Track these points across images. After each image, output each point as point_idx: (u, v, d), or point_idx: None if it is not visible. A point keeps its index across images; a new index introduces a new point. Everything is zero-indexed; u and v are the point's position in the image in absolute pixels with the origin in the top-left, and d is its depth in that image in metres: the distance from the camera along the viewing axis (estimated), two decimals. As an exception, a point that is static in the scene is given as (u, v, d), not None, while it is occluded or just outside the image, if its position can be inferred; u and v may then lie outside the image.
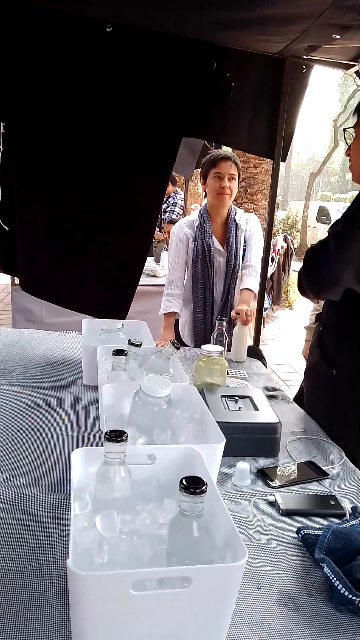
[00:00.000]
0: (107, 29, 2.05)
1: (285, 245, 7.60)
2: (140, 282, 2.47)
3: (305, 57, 2.26)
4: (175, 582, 0.73)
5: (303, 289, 1.50)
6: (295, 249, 8.73)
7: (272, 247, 6.76)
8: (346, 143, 1.51)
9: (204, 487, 0.75)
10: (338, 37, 1.91)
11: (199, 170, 2.98)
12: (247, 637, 0.80)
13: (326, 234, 1.37)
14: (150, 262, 4.50)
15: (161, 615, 0.72)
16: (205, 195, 2.42)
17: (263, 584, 0.91)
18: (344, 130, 1.52)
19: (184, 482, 0.76)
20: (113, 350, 1.46)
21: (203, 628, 0.75)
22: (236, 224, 2.38)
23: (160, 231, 5.14)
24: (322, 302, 1.72)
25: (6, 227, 2.31)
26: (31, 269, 2.39)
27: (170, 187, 5.37)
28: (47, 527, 1.02)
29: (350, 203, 1.38)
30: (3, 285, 5.94)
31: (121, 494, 0.89)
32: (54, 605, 0.82)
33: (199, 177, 2.46)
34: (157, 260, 4.62)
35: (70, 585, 0.70)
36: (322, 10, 1.68)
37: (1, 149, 2.17)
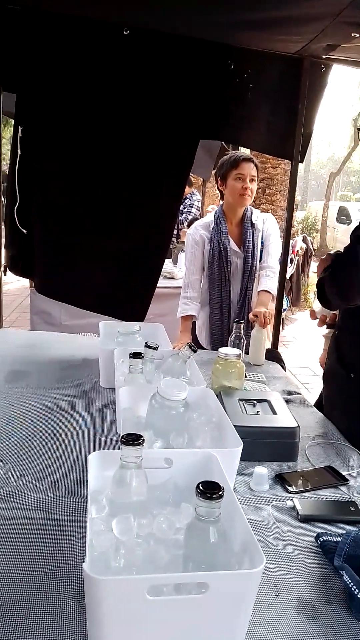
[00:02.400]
0: (125, 32, 2.06)
1: (304, 246, 7.54)
2: (158, 284, 2.48)
3: (323, 56, 2.24)
4: (191, 587, 0.72)
5: (326, 300, 1.47)
6: (314, 249, 8.66)
7: (291, 248, 6.72)
8: None
9: (220, 492, 0.75)
10: (357, 35, 1.88)
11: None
12: (265, 645, 0.79)
13: (348, 240, 1.35)
14: (167, 264, 4.50)
15: (177, 621, 0.71)
16: (222, 196, 2.41)
17: (281, 591, 0.89)
18: (358, 129, 1.51)
19: (201, 487, 0.75)
20: (130, 353, 1.47)
21: (219, 635, 0.74)
22: (252, 225, 2.37)
23: (177, 233, 5.14)
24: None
25: (24, 230, 2.33)
26: (47, 272, 2.41)
27: (187, 189, 5.37)
28: (64, 530, 1.02)
29: None
30: (22, 287, 6.01)
31: (138, 498, 0.89)
32: (70, 609, 0.82)
33: (215, 177, 2.45)
34: (175, 262, 4.62)
35: (86, 589, 0.70)
36: (340, 9, 1.66)
37: (19, 153, 2.20)
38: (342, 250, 1.40)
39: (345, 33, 1.89)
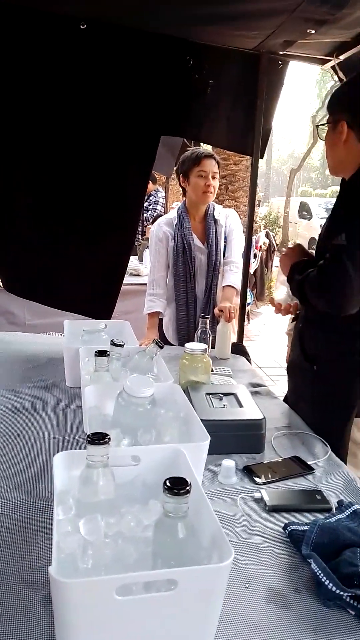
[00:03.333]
0: (82, 26, 2.02)
1: (267, 241, 7.64)
2: (124, 282, 2.46)
3: (281, 52, 2.26)
4: (161, 585, 0.72)
5: (307, 301, 1.47)
6: (277, 244, 8.78)
7: (254, 243, 6.79)
8: (321, 138, 1.53)
9: (187, 488, 0.75)
10: (313, 31, 1.91)
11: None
12: (236, 637, 0.79)
13: (309, 235, 1.37)
14: (133, 261, 4.47)
15: (147, 620, 0.71)
16: (184, 193, 2.40)
17: (251, 582, 0.90)
18: (317, 126, 1.53)
19: (168, 483, 0.75)
20: (95, 351, 1.45)
21: (191, 630, 0.74)
22: (215, 220, 2.38)
23: (142, 230, 5.12)
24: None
25: None
26: (15, 270, 2.37)
27: (151, 186, 5.34)
28: (32, 533, 1.00)
29: (332, 199, 1.39)
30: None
31: (105, 497, 0.88)
32: (38, 613, 0.81)
33: (177, 174, 2.44)
34: (141, 259, 4.60)
35: (53, 593, 0.69)
36: (296, 5, 1.68)
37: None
38: (299, 241, 1.42)
39: (301, 29, 1.91)
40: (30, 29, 1.98)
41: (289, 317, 2.36)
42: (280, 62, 2.33)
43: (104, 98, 2.14)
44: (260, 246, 7.30)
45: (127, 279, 2.96)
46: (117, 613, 0.69)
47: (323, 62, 2.27)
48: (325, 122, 1.51)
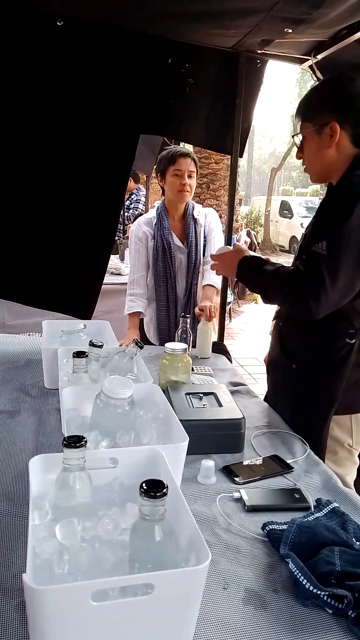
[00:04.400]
0: (58, 23, 1.99)
1: (248, 240, 7.66)
2: (104, 281, 2.44)
3: (259, 51, 2.26)
4: (137, 589, 0.71)
5: (270, 301, 1.48)
6: (259, 243, 8.82)
7: (235, 242, 6.81)
8: (297, 147, 1.52)
9: (164, 490, 0.74)
10: (290, 31, 1.91)
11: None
12: (214, 639, 0.79)
13: (290, 233, 1.37)
14: (114, 260, 4.44)
15: (124, 625, 0.70)
16: (163, 192, 2.39)
17: (229, 583, 0.90)
18: (293, 136, 1.53)
19: (144, 486, 0.74)
20: (73, 352, 1.43)
21: (168, 633, 0.74)
22: (195, 220, 2.38)
23: (124, 228, 5.09)
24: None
25: None
26: None
27: (132, 184, 5.31)
28: (8, 539, 0.99)
29: (313, 197, 1.39)
30: None
31: (82, 501, 0.87)
32: (12, 621, 0.79)
33: (155, 173, 2.43)
34: (122, 258, 4.57)
35: (27, 600, 0.67)
36: (273, 4, 1.68)
37: None
38: (281, 240, 1.42)
39: (278, 28, 1.92)
40: (5, 25, 1.95)
41: (272, 316, 2.37)
42: (258, 61, 2.33)
43: (81, 96, 2.12)
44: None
45: (108, 278, 2.94)
46: (92, 619, 0.68)
47: (301, 61, 2.28)
48: (300, 130, 1.48)
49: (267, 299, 1.47)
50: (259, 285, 1.49)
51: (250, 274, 1.52)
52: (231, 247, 1.71)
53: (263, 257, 1.58)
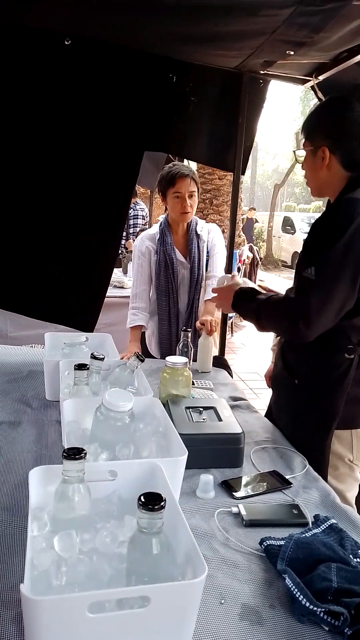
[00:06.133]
0: (66, 42, 2.04)
1: (251, 255, 7.71)
2: (107, 294, 2.47)
3: (261, 72, 2.31)
4: (134, 601, 0.72)
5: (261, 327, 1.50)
6: (261, 258, 8.87)
7: (238, 257, 6.85)
8: (298, 162, 1.56)
9: (162, 503, 0.75)
10: (292, 53, 1.96)
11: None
12: (210, 654, 0.79)
13: (292, 249, 1.39)
14: (117, 273, 4.48)
15: (120, 637, 0.70)
16: (166, 209, 2.42)
17: (226, 598, 0.90)
18: (294, 152, 1.57)
19: (142, 499, 0.75)
20: (75, 365, 1.45)
21: (164, 647, 0.74)
22: (197, 235, 2.40)
23: (125, 243, 5.13)
24: None
25: None
26: None
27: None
28: (5, 549, 0.99)
29: (316, 214, 1.42)
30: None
31: (80, 513, 0.87)
32: (9, 632, 0.79)
33: (157, 190, 2.46)
34: (125, 272, 4.61)
35: (24, 611, 0.68)
36: (275, 27, 1.72)
37: None
38: (283, 255, 1.44)
39: (280, 50, 1.96)
40: (13, 44, 2.00)
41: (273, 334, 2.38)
42: (261, 81, 2.38)
43: (88, 113, 2.16)
44: (244, 260, 7.37)
45: (111, 291, 2.96)
46: (89, 631, 0.68)
47: (303, 82, 2.33)
48: (302, 147, 1.54)
49: (260, 327, 1.51)
50: (252, 313, 1.51)
51: (244, 303, 1.56)
52: (230, 276, 1.76)
53: (258, 289, 1.63)
